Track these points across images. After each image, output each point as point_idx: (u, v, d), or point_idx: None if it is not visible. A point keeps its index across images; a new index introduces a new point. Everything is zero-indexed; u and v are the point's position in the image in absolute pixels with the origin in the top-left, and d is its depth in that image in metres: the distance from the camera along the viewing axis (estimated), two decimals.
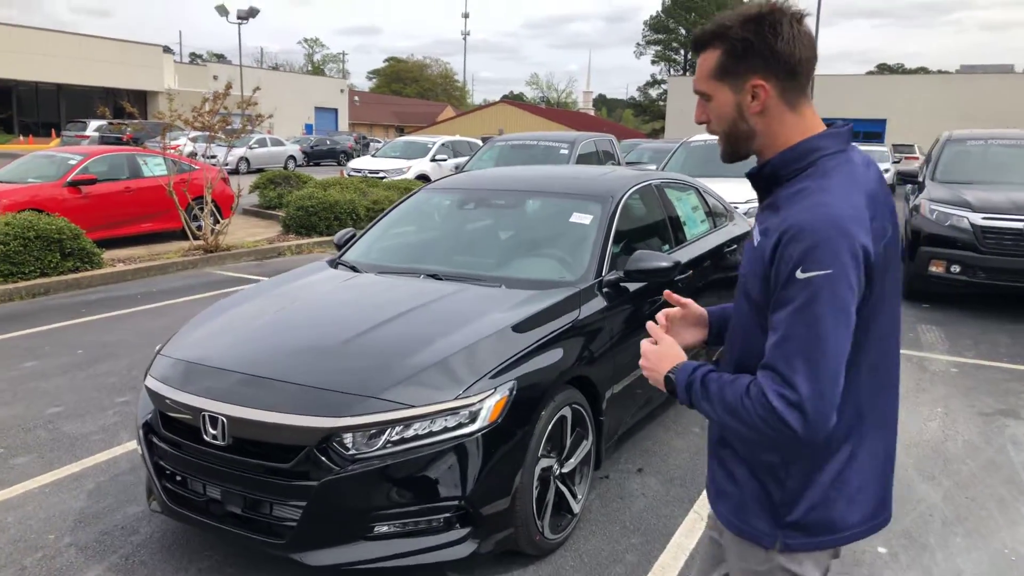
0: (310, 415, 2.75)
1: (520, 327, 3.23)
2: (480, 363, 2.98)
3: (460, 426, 2.78)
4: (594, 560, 3.22)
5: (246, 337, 3.31)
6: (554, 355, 3.22)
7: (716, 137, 1.61)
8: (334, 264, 4.36)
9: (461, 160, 18.12)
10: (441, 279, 3.87)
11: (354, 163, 20.16)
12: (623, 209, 4.18)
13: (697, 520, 3.54)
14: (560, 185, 4.55)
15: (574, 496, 3.36)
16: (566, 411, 3.22)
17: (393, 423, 2.73)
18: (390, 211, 4.85)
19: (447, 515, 2.79)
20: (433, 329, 3.23)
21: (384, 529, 2.79)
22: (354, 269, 4.21)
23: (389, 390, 2.80)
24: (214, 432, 2.88)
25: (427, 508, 2.77)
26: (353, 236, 4.70)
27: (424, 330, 3.24)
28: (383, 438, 2.74)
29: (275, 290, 3.95)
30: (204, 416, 2.89)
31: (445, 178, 5.31)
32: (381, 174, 17.69)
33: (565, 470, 3.29)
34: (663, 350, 1.61)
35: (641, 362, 1.62)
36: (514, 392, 2.93)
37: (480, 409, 2.81)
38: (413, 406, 2.75)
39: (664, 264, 3.64)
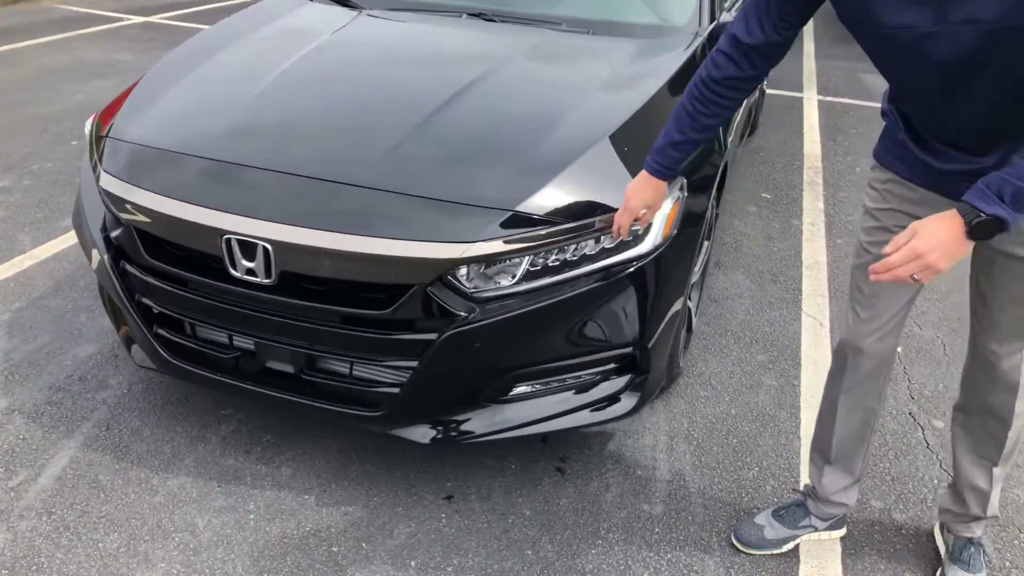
0: (420, 240, 1.79)
1: (663, 97, 2.28)
2: (633, 155, 2.06)
3: (623, 247, 1.92)
4: (726, 386, 2.62)
5: (256, 114, 2.16)
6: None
7: None
8: None
9: None
10: (494, 21, 2.76)
11: None
12: None
13: (815, 326, 2.98)
14: None
15: (694, 310, 2.68)
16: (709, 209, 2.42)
17: (537, 247, 1.83)
18: None
19: (609, 367, 2.03)
20: (539, 104, 2.23)
21: (524, 390, 2.00)
22: (345, 3, 2.97)
23: (526, 200, 1.86)
24: (249, 265, 1.87)
25: (586, 362, 1.98)
26: None
27: (528, 104, 2.23)
28: (522, 268, 1.85)
29: (253, 37, 2.68)
30: (230, 241, 1.86)
31: None
32: None
33: (692, 279, 2.55)
34: (927, 228, 1.33)
35: (918, 263, 1.33)
36: (685, 193, 2.07)
37: (651, 222, 1.95)
38: (566, 221, 1.85)
39: None
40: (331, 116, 2.16)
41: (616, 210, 1.85)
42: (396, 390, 1.93)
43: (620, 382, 2.07)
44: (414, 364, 1.89)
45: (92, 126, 2.33)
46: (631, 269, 1.92)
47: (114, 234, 2.11)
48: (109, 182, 2.06)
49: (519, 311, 1.84)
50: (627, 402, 2.08)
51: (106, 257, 2.11)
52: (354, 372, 1.98)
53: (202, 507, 2.07)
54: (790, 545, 2.00)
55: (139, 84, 2.44)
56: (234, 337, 2.04)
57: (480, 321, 1.83)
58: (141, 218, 2.00)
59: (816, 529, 2.01)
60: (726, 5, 3.07)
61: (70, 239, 3.34)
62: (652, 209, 1.79)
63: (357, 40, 2.67)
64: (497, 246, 1.79)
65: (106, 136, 2.19)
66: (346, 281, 1.86)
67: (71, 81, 5.43)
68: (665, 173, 1.72)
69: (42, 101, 5.01)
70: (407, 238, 1.78)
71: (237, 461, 2.23)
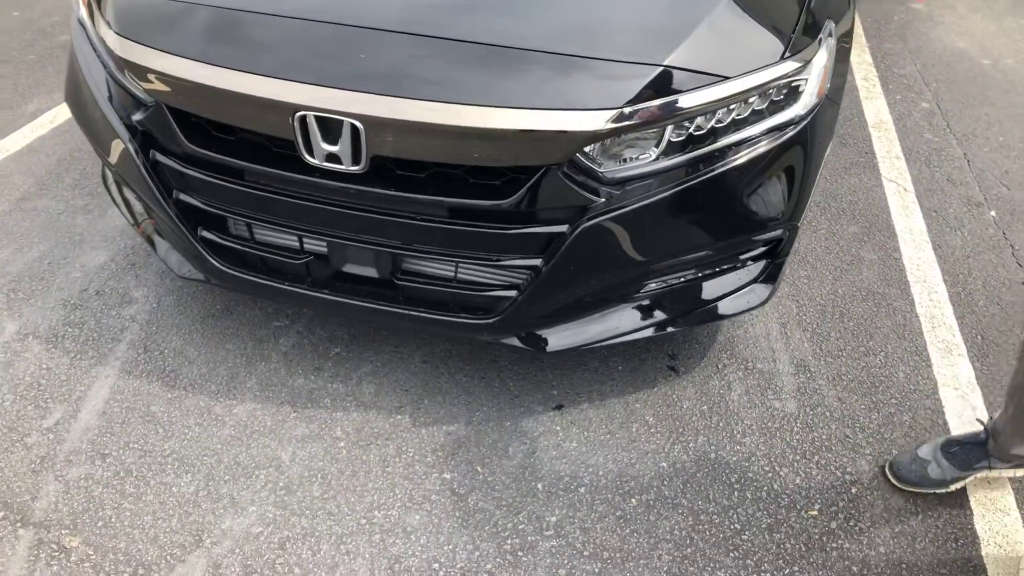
0: (553, 108, 1.43)
1: None
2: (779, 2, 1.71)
3: (775, 108, 1.60)
4: (826, 264, 2.38)
5: None
6: None
7: None
8: None
9: None
10: None
11: None
12: None
13: (900, 192, 2.74)
14: None
15: None
16: None
17: (699, 111, 1.50)
18: None
19: (751, 252, 1.75)
20: None
21: (655, 285, 1.72)
22: None
23: (676, 50, 1.50)
24: (331, 150, 1.50)
25: (732, 251, 1.70)
26: None
27: None
28: (664, 140, 1.52)
29: None
30: (305, 119, 1.47)
31: None
32: None
33: None
34: None
35: None
36: (834, 44, 1.74)
37: (807, 78, 1.62)
38: (725, 77, 1.51)
39: None
40: None
41: (774, 67, 1.53)
42: (514, 293, 1.63)
43: (756, 269, 1.80)
44: (536, 262, 1.58)
45: None
46: (788, 134, 1.60)
47: (137, 116, 1.69)
48: (125, 47, 1.62)
49: (667, 192, 1.52)
50: (762, 291, 1.82)
51: (131, 145, 1.70)
52: (459, 274, 1.67)
53: (281, 437, 1.79)
54: (957, 486, 1.74)
55: None
56: (305, 239, 1.69)
57: (622, 208, 1.51)
58: (176, 94, 1.58)
59: (991, 469, 1.73)
60: None
61: (42, 127, 2.85)
62: None
63: None
64: (649, 112, 1.45)
65: None
66: (456, 165, 1.51)
67: None
68: None
69: None
70: (536, 106, 1.43)
71: (308, 380, 1.93)
